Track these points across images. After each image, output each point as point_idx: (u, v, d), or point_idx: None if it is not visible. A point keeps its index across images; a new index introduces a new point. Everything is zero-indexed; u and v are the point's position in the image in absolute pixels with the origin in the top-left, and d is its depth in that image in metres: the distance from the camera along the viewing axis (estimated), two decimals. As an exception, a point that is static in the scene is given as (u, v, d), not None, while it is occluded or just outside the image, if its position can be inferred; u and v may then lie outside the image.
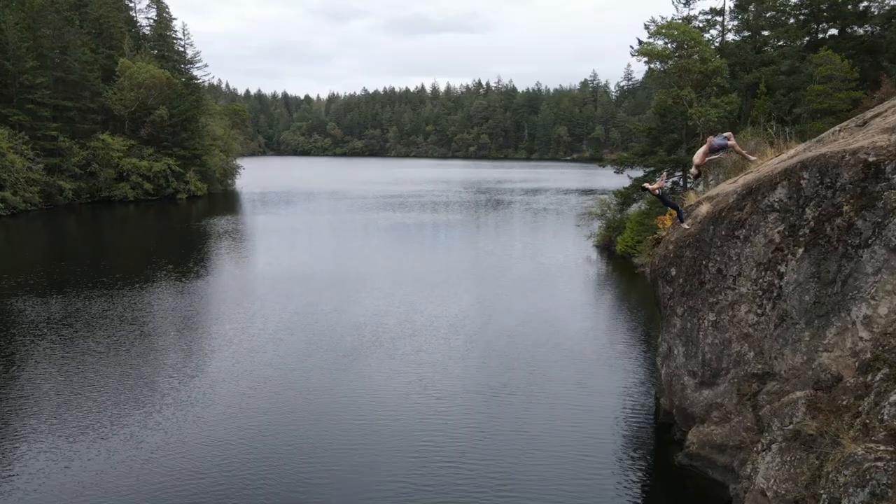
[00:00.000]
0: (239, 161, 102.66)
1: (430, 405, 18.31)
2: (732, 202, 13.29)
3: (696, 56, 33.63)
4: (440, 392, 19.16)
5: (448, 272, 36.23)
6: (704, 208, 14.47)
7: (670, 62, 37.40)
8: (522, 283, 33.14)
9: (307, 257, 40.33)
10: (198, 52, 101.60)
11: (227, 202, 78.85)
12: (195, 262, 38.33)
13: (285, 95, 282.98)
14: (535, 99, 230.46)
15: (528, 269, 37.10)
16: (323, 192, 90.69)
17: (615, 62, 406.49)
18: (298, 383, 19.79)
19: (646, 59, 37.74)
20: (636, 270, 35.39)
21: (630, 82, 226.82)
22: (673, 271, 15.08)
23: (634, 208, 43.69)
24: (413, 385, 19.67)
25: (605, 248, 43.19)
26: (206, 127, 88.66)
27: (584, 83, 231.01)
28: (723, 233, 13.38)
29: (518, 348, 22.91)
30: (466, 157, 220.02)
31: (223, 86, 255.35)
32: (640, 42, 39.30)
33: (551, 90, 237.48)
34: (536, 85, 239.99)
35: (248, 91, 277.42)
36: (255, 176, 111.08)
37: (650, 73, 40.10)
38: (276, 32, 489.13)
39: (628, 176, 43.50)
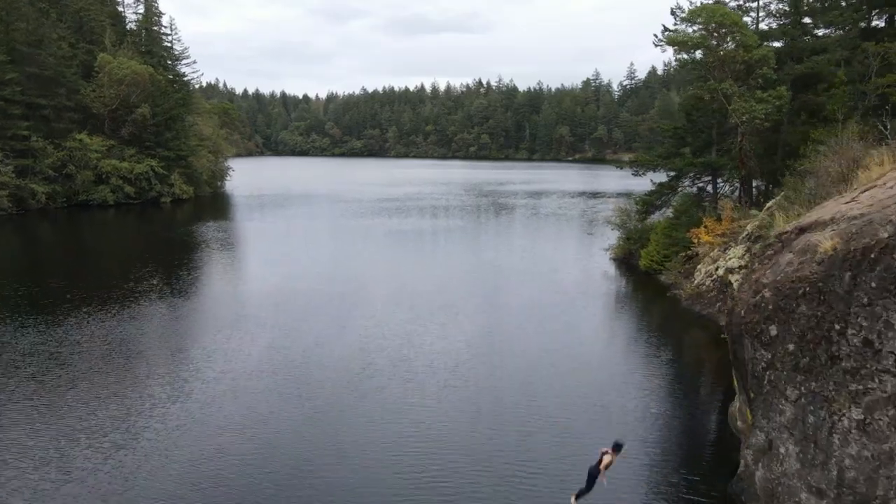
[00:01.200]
0: (235, 161, 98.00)
1: (428, 497, 13.73)
2: (889, 238, 8.69)
3: (736, 44, 29.00)
4: (441, 473, 14.54)
5: (450, 291, 31.57)
6: (828, 241, 9.85)
7: (701, 51, 32.80)
8: (536, 308, 28.48)
9: (292, 272, 35.55)
10: (186, 48, 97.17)
11: (214, 206, 74.26)
12: (163, 279, 33.60)
13: (283, 95, 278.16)
14: (536, 98, 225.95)
15: (541, 287, 32.46)
16: (318, 194, 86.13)
17: (616, 62, 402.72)
18: (256, 453, 15.22)
19: (674, 48, 33.13)
20: (667, 293, 30.71)
21: (633, 81, 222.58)
22: (773, 331, 10.49)
23: (657, 217, 39.15)
24: (405, 463, 15.04)
25: (624, 261, 38.56)
26: (193, 126, 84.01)
27: (587, 83, 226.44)
28: (872, 285, 8.78)
29: (539, 403, 18.24)
30: (467, 157, 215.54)
31: (221, 85, 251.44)
32: (666, 29, 34.73)
33: (553, 90, 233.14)
34: (538, 84, 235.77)
35: (245, 90, 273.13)
36: (249, 177, 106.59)
37: (680, 64, 35.35)
38: (277, 33, 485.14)
39: (651, 180, 38.88)
